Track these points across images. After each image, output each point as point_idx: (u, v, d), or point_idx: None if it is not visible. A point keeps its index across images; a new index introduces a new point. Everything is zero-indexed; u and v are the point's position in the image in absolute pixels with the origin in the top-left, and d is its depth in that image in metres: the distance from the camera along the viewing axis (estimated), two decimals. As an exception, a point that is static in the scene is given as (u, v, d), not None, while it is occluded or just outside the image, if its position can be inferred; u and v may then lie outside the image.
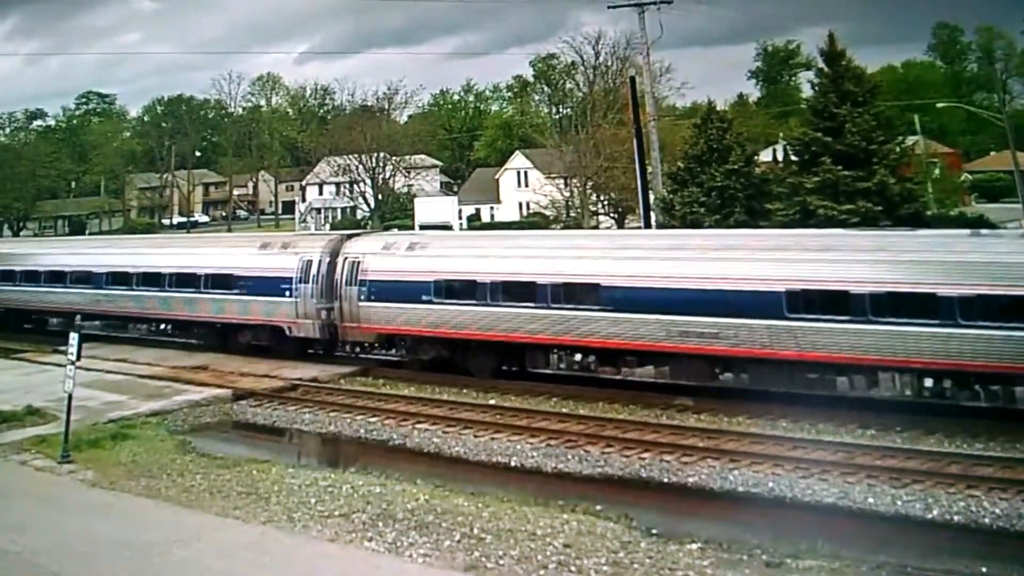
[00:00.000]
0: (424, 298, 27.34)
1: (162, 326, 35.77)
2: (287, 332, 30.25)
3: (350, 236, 32.23)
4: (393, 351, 30.22)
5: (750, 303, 22.25)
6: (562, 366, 25.90)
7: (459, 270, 27.37)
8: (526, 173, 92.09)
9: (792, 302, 21.72)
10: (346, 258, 29.67)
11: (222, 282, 31.98)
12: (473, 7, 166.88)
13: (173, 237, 67.86)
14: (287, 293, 30.30)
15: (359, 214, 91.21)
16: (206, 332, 33.48)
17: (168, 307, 33.71)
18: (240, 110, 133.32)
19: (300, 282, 30.19)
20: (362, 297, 28.75)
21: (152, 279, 33.91)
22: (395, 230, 54.21)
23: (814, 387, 21.85)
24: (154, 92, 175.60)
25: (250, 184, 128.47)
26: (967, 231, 24.76)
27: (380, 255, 29.31)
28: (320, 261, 30.14)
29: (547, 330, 25.28)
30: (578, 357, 25.33)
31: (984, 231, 25.02)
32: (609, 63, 72.47)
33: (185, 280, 32.94)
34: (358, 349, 30.68)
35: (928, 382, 20.56)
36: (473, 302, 26.48)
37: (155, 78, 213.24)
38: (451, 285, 27.10)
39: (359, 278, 28.94)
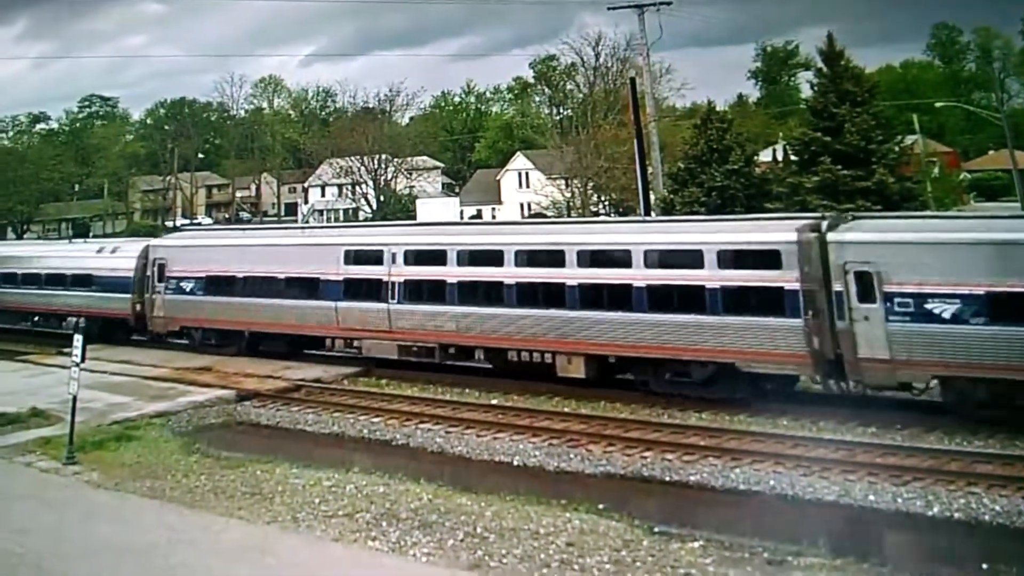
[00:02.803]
0: None
1: None
2: None
3: None
4: None
5: None
6: None
7: None
8: (527, 174, 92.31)
9: None
10: None
11: None
12: (476, 9, 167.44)
13: None
14: None
15: (361, 215, 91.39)
16: None
17: None
18: (242, 112, 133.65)
19: None
20: None
21: None
22: None
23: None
24: (159, 95, 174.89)
25: (253, 186, 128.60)
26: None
27: None
28: None
29: None
30: None
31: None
32: (609, 64, 72.71)
33: None
34: None
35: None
36: None
37: (160, 81, 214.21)
38: None
39: None
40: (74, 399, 19.91)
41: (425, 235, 29.88)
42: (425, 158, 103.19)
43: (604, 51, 73.16)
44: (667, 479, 18.48)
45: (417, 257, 27.81)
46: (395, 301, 27.64)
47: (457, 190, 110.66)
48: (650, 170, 42.88)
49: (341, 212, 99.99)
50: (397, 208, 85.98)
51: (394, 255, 28.02)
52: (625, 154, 54.15)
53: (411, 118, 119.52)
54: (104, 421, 23.03)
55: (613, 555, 13.24)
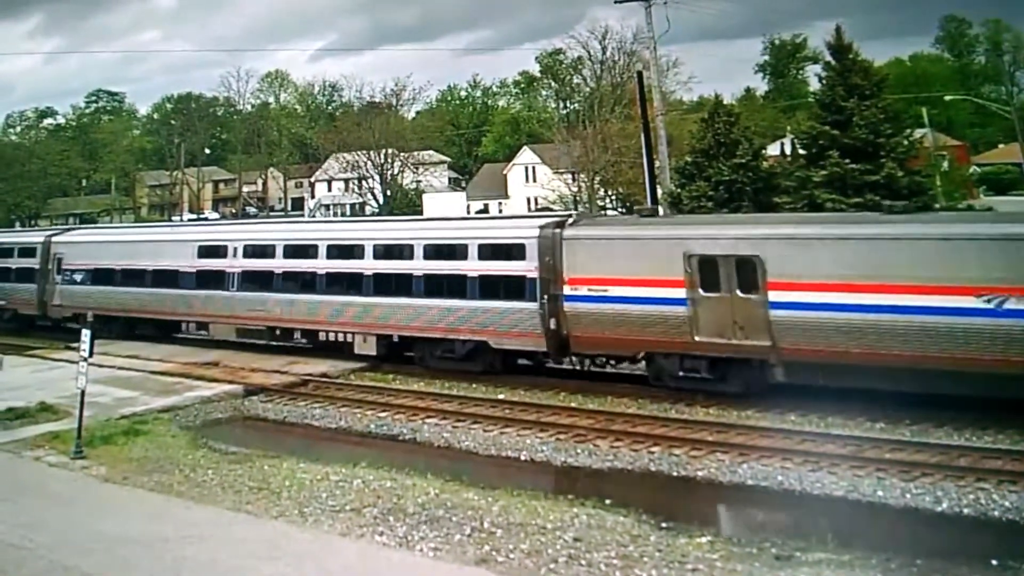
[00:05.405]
0: None
1: None
2: None
3: None
4: None
5: None
6: None
7: None
8: (534, 168, 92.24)
9: None
10: None
11: None
12: (488, 3, 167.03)
13: None
14: None
15: (368, 210, 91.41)
16: None
17: None
18: (249, 107, 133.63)
19: None
20: None
21: None
22: None
23: None
24: (170, 89, 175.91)
25: (259, 181, 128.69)
26: None
27: None
28: None
29: None
30: None
31: None
32: (616, 58, 72.61)
33: None
34: None
35: None
36: None
37: (172, 75, 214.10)
38: None
39: None
40: (82, 394, 19.95)
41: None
42: (431, 152, 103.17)
43: (611, 45, 73.21)
44: (674, 474, 18.48)
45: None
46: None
47: (464, 184, 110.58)
48: (657, 164, 42.64)
49: (348, 207, 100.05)
50: (404, 203, 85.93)
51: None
52: (632, 148, 53.95)
53: (417, 112, 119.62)
54: (112, 416, 23.11)
55: (620, 550, 13.21)
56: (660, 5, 42.89)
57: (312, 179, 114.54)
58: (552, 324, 25.21)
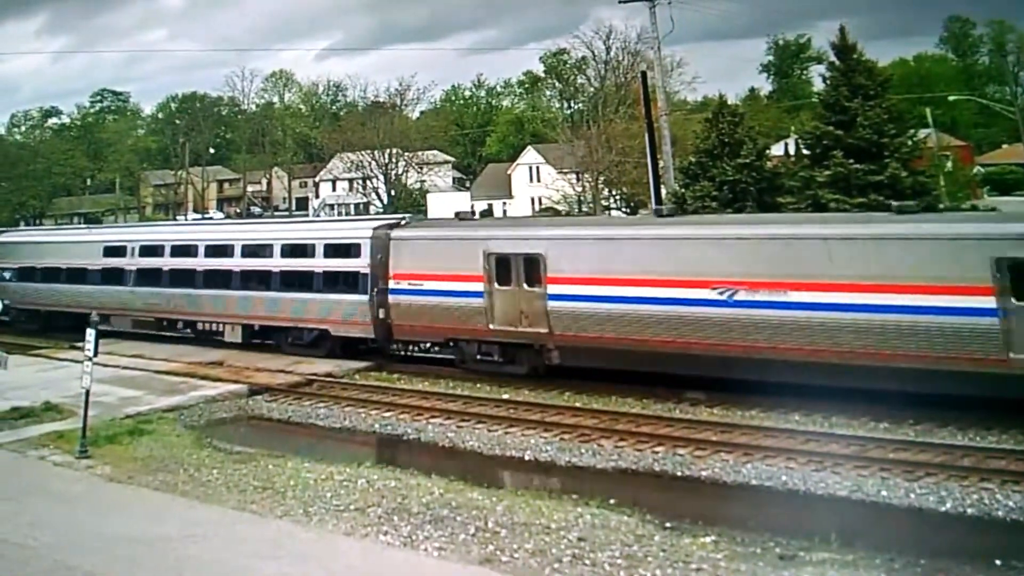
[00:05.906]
0: None
1: None
2: None
3: None
4: None
5: None
6: None
7: None
8: (538, 168, 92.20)
9: None
10: None
11: None
12: (493, 3, 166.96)
13: None
14: None
15: (372, 210, 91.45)
16: None
17: None
18: (253, 107, 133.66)
19: None
20: None
21: None
22: None
23: None
24: (175, 89, 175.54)
25: (264, 180, 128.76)
26: None
27: None
28: None
29: None
30: None
31: None
32: (620, 58, 72.53)
33: None
34: None
35: None
36: None
37: (177, 75, 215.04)
38: None
39: None
40: (87, 393, 19.96)
41: None
42: (436, 152, 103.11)
43: (615, 45, 73.15)
44: (679, 474, 18.47)
45: None
46: None
47: (468, 184, 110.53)
48: (661, 164, 42.62)
49: (352, 207, 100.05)
50: (408, 202, 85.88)
51: None
52: (636, 148, 53.96)
53: (422, 112, 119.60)
54: (117, 415, 23.10)
55: (625, 550, 13.20)
56: (664, 5, 42.97)
57: (316, 179, 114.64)
58: (380, 314, 28.89)
